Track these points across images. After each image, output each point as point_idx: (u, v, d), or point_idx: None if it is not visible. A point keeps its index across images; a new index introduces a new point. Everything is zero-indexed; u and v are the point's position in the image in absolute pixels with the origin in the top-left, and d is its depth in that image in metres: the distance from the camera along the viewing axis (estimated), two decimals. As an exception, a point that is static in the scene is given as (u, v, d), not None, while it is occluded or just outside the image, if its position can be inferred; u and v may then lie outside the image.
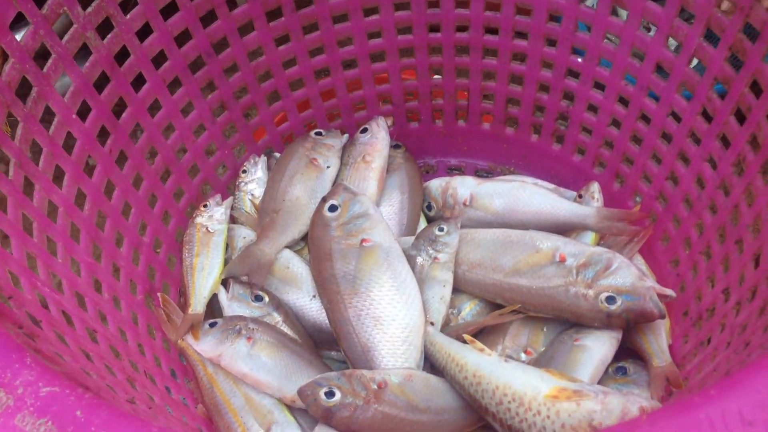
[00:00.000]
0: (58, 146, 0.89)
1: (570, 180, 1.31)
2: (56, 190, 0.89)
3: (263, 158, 1.22)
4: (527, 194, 1.21)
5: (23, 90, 0.84)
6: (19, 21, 0.82)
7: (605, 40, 1.12)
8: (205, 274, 1.06)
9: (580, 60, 1.17)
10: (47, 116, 0.87)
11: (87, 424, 0.46)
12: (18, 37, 0.82)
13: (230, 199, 1.17)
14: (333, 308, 1.00)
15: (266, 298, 1.05)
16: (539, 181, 1.28)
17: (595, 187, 1.22)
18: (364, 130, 1.24)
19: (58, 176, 0.89)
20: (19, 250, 0.80)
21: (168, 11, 1.01)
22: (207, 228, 1.10)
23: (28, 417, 0.46)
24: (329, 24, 1.16)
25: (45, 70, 0.87)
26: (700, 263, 1.06)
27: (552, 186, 1.27)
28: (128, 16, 0.97)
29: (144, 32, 1.00)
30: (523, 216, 1.20)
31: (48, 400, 0.47)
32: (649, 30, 1.09)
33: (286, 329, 1.03)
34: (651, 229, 1.15)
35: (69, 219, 0.91)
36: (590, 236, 1.15)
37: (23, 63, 0.83)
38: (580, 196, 1.23)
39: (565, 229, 1.15)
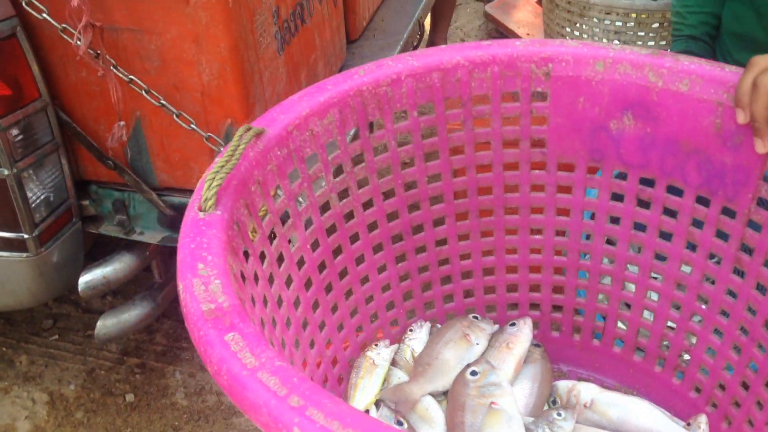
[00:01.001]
0: (294, 263, 1.26)
1: (683, 413, 1.47)
2: (285, 291, 1.25)
3: (428, 324, 1.53)
4: (642, 411, 1.40)
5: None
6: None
7: (726, 295, 1.35)
8: (363, 394, 1.35)
9: (704, 307, 1.40)
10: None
11: (299, 385, 0.75)
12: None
13: (396, 346, 1.47)
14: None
15: (405, 425, 1.30)
16: (653, 405, 1.46)
17: (702, 419, 1.39)
18: (513, 324, 1.52)
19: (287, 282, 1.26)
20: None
21: (387, 195, 1.40)
22: (373, 361, 1.40)
23: (266, 374, 0.76)
24: (501, 234, 1.50)
25: (300, 209, 1.26)
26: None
27: (664, 410, 1.44)
28: (360, 191, 1.37)
29: (367, 204, 1.39)
30: (635, 429, 1.38)
31: (278, 368, 0.77)
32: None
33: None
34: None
35: (287, 313, 1.25)
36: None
37: (290, 200, 1.23)
38: (689, 425, 1.39)
39: (669, 449, 1.32)
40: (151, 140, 1.64)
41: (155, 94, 1.55)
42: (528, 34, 3.62)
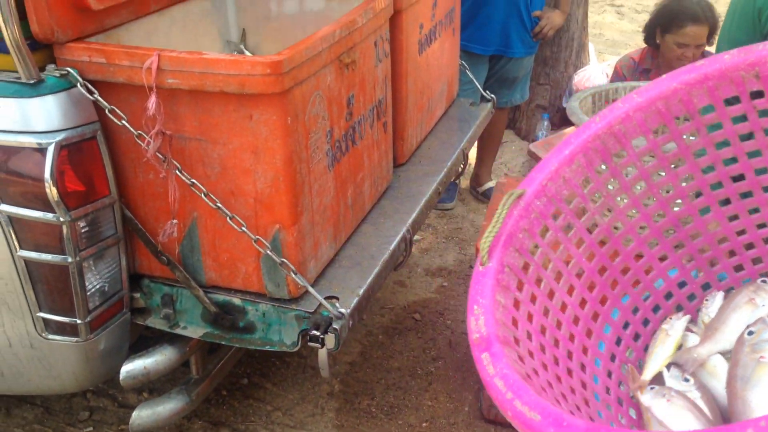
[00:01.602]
0: (572, 275, 1.44)
1: None
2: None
3: (721, 293, 1.62)
4: None
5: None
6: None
7: None
8: (655, 359, 1.51)
9: None
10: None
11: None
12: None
13: (688, 317, 1.59)
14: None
15: (692, 381, 1.41)
16: None
17: None
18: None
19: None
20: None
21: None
22: (667, 332, 1.55)
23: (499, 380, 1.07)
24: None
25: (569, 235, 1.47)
26: None
27: None
28: (623, 205, 1.45)
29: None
30: None
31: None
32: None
33: (701, 405, 1.36)
34: None
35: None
36: None
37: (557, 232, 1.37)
38: None
39: None
40: (204, 240, 1.76)
41: (212, 197, 1.68)
42: (570, 173, 3.75)
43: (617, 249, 1.56)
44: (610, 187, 1.52)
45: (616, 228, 1.56)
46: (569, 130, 4.12)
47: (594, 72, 4.39)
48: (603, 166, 1.50)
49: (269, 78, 1.58)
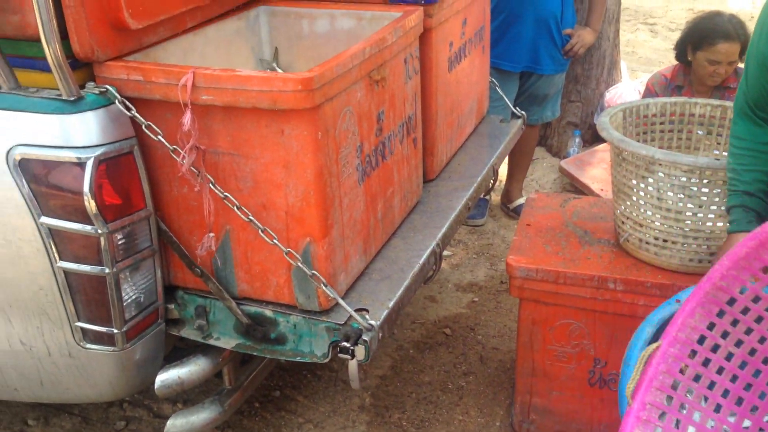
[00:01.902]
0: None
1: None
2: None
3: None
4: None
5: None
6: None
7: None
8: None
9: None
10: None
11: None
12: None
13: None
14: None
15: None
16: None
17: None
18: None
19: None
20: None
21: None
22: None
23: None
24: None
25: None
26: None
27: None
28: None
29: None
30: None
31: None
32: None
33: None
34: None
35: None
36: None
37: None
38: None
39: None
40: (236, 252, 1.80)
41: (245, 210, 1.72)
42: (602, 190, 3.74)
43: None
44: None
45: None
46: (601, 146, 4.11)
47: (626, 89, 4.38)
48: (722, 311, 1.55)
49: (300, 94, 1.62)
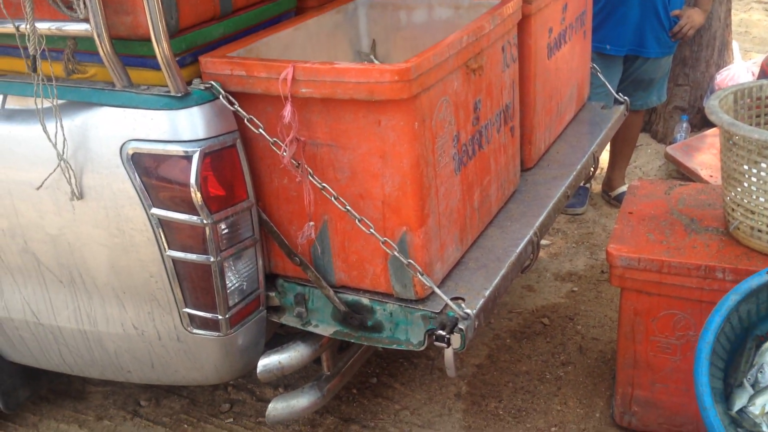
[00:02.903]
0: None
1: None
2: None
3: None
4: None
5: None
6: None
7: None
8: None
9: None
10: None
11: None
12: None
13: None
14: None
15: None
16: None
17: None
18: None
19: None
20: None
21: None
22: None
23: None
24: None
25: None
26: None
27: None
28: None
29: None
30: None
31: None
32: None
33: None
34: None
35: None
36: None
37: None
38: None
39: None
40: (334, 242, 1.84)
41: (342, 200, 1.75)
42: (711, 176, 3.59)
43: None
44: None
45: None
46: (710, 131, 3.94)
47: (739, 70, 4.18)
48: None
49: (397, 85, 1.63)
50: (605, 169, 3.81)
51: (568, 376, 2.59)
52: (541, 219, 2.21)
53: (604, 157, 3.82)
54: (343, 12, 2.36)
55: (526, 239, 2.10)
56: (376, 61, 2.45)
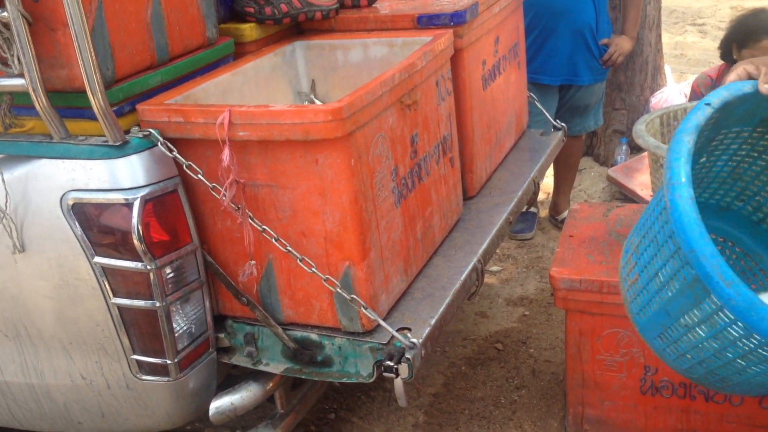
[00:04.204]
0: None
1: None
2: None
3: None
4: None
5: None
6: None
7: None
8: None
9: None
10: None
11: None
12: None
13: None
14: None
15: None
16: None
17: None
18: None
19: None
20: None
21: None
22: None
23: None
24: None
25: None
26: None
27: None
28: None
29: None
30: None
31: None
32: None
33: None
34: None
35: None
36: None
37: None
38: None
39: None
40: (280, 280, 1.87)
41: (282, 241, 1.78)
42: (650, 195, 3.71)
43: None
44: None
45: None
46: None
47: (671, 93, 4.34)
48: None
49: (331, 124, 1.67)
50: (551, 194, 3.91)
51: (522, 400, 2.63)
52: (484, 246, 2.26)
53: (550, 183, 3.91)
54: (281, 54, 2.41)
55: (470, 266, 2.15)
56: (316, 101, 2.51)
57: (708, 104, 1.46)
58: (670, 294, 1.44)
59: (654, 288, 1.49)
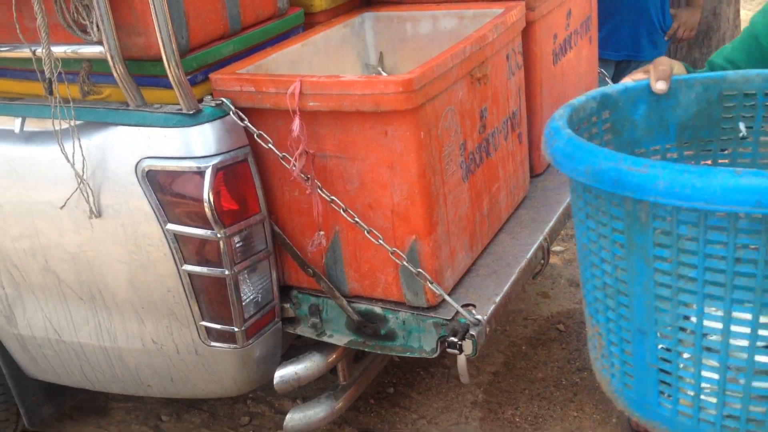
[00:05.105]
0: None
1: None
2: None
3: None
4: None
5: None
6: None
7: None
8: None
9: None
10: None
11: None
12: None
13: None
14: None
15: None
16: None
17: None
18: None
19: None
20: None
21: None
22: None
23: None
24: None
25: None
26: None
27: None
28: None
29: None
30: None
31: None
32: None
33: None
34: None
35: None
36: None
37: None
38: None
39: None
40: (346, 252, 1.87)
41: (351, 212, 1.79)
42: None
43: None
44: None
45: None
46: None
47: (748, 72, 4.18)
48: None
49: (402, 95, 1.66)
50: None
51: (584, 382, 2.60)
52: (551, 224, 2.23)
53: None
54: (350, 26, 2.40)
55: (536, 245, 2.12)
56: (383, 73, 2.49)
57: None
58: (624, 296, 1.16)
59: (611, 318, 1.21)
